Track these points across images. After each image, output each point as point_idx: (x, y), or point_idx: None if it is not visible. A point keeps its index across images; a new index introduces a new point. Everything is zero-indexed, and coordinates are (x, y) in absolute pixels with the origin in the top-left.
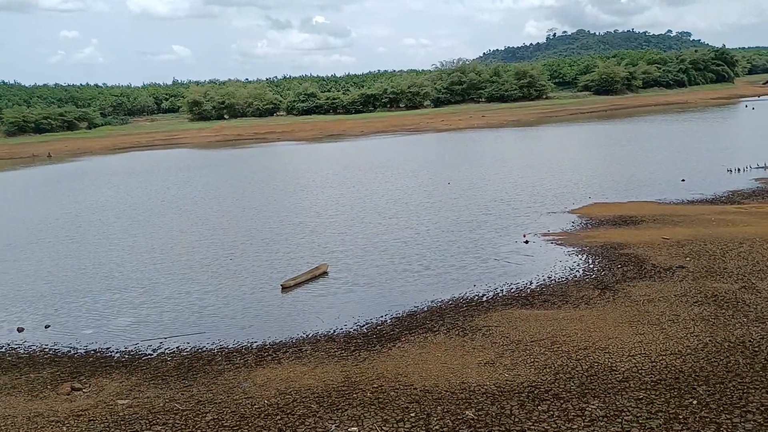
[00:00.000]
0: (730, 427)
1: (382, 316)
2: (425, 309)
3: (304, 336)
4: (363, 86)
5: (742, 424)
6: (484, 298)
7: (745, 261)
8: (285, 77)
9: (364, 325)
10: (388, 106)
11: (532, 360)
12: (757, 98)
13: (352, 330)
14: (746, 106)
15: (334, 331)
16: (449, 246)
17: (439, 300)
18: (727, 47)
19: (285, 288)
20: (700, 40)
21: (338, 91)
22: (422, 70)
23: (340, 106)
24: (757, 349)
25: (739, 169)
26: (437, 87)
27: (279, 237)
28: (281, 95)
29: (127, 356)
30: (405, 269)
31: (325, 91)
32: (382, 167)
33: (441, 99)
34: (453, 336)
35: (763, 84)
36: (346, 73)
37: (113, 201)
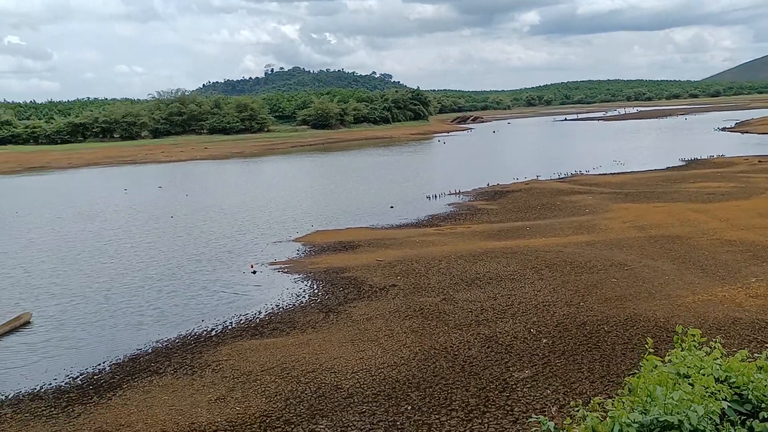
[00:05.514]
0: (439, 425)
1: (99, 365)
2: (150, 351)
3: (2, 398)
4: (70, 114)
5: (448, 421)
6: (213, 333)
7: (444, 276)
8: None
9: (78, 377)
10: (101, 136)
11: (263, 389)
12: (446, 134)
13: (63, 384)
14: (439, 141)
15: (41, 388)
16: (175, 283)
17: (165, 339)
18: (421, 89)
19: None
20: (399, 81)
21: (40, 119)
22: (138, 99)
23: (42, 135)
24: (456, 353)
25: (436, 196)
26: (155, 117)
27: None
28: None
29: None
30: (126, 311)
31: (23, 119)
32: (94, 202)
33: (160, 130)
34: (181, 376)
35: (452, 122)
36: (49, 100)
37: None
